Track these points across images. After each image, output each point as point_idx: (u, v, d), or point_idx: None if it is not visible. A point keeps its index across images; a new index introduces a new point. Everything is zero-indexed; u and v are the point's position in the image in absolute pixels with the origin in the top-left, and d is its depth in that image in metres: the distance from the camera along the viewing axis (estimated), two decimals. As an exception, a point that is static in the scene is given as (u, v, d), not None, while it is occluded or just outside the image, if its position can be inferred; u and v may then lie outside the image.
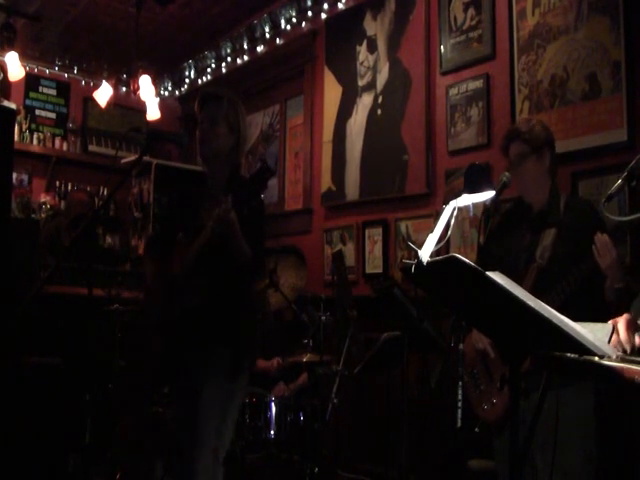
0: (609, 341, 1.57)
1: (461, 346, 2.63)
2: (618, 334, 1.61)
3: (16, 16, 5.89)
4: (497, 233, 2.76)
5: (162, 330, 2.66)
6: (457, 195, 2.48)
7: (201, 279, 2.57)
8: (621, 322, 1.65)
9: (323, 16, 5.30)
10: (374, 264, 4.73)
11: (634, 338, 1.61)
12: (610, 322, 1.67)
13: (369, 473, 4.35)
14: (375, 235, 4.74)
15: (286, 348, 4.21)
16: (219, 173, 2.72)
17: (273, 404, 3.70)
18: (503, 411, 2.59)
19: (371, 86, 4.89)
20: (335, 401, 3.75)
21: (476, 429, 2.71)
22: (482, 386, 2.71)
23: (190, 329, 2.58)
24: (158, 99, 6.58)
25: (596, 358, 1.43)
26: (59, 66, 7.00)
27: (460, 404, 2.58)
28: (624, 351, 1.59)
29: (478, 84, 4.11)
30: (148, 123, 6.47)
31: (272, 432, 3.67)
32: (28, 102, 7.00)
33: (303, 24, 5.50)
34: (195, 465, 2.47)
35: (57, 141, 7.04)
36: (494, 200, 2.54)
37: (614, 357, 1.44)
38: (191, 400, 2.54)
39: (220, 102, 2.72)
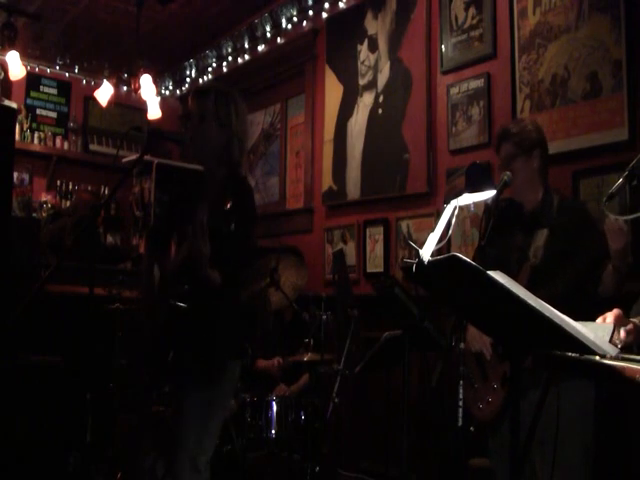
0: (610, 340, 1.57)
1: (462, 345, 2.63)
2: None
3: (17, 15, 5.89)
4: (490, 233, 2.75)
5: (153, 328, 2.63)
6: (458, 194, 2.47)
7: (187, 282, 2.51)
8: (610, 317, 1.66)
9: (324, 15, 5.29)
10: (375, 263, 4.73)
11: (621, 332, 1.62)
12: (600, 318, 1.68)
13: (370, 472, 4.35)
14: (376, 234, 4.74)
15: (287, 347, 4.21)
16: (215, 172, 2.61)
17: (274, 403, 3.71)
18: (498, 409, 2.59)
19: (372, 85, 4.88)
20: (336, 400, 3.75)
21: (471, 428, 2.71)
22: (476, 385, 2.72)
23: (174, 331, 2.54)
24: (159, 98, 6.59)
25: (597, 357, 1.43)
26: (60, 65, 7.00)
27: (461, 403, 2.58)
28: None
29: (479, 83, 4.11)
30: (149, 122, 6.48)
31: (273, 431, 3.67)
32: (29, 101, 7.00)
33: (304, 23, 5.50)
34: (174, 467, 2.44)
35: (58, 140, 7.04)
36: (495, 199, 2.54)
37: (614, 356, 1.44)
38: (176, 405, 2.50)
39: (207, 97, 2.61)
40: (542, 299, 1.43)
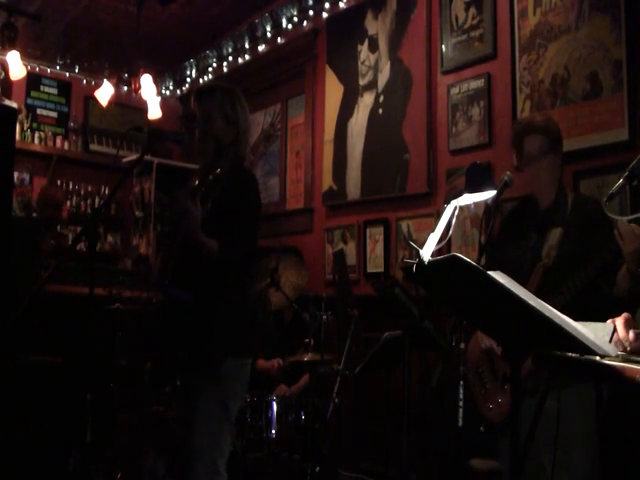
0: (610, 340, 1.57)
1: (462, 345, 2.62)
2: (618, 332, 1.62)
3: (17, 15, 5.89)
4: (502, 232, 2.74)
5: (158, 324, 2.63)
6: (458, 194, 2.47)
7: (188, 274, 2.51)
8: (619, 320, 1.66)
9: (324, 15, 5.30)
10: (375, 263, 4.73)
11: (630, 334, 1.62)
12: (609, 321, 1.67)
13: (370, 472, 4.35)
14: (376, 234, 4.74)
15: (287, 347, 4.21)
16: (221, 168, 2.63)
17: (274, 403, 3.70)
18: (508, 410, 2.57)
19: (372, 85, 4.88)
20: (336, 400, 3.75)
21: (481, 428, 2.69)
22: (487, 385, 2.70)
23: (177, 326, 2.55)
24: (159, 98, 6.57)
25: (597, 357, 1.42)
26: (60, 65, 6.99)
27: (461, 403, 2.58)
28: (624, 349, 1.59)
29: (479, 83, 4.11)
30: (149, 122, 6.47)
31: (273, 431, 3.67)
32: (29, 101, 6.99)
33: (304, 23, 5.50)
34: (194, 473, 2.41)
35: (58, 140, 7.04)
36: (495, 199, 2.53)
37: (615, 356, 1.44)
38: (187, 414, 2.48)
39: (213, 96, 2.66)
40: (556, 304, 1.43)
